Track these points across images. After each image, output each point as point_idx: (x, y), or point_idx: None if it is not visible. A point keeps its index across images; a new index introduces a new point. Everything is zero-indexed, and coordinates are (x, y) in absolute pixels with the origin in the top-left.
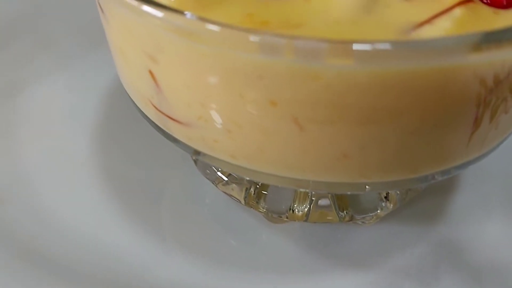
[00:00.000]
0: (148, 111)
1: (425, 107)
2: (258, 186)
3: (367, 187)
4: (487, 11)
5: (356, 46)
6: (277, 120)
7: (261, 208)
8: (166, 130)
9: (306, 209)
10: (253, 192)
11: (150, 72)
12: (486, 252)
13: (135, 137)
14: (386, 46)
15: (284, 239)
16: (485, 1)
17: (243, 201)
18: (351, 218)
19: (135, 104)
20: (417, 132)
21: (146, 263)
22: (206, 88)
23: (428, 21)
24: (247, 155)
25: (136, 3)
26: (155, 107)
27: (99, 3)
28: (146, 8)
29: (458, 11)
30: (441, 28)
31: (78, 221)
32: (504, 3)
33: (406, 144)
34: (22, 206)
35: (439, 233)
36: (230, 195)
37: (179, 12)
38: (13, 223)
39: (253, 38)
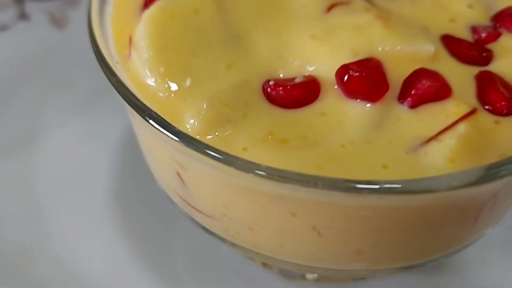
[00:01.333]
0: (174, 198)
1: (428, 221)
2: None
3: (376, 273)
4: (489, 120)
5: (365, 190)
6: (297, 226)
7: (275, 269)
8: (191, 216)
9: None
10: None
11: (178, 174)
12: None
13: (149, 184)
14: (395, 186)
15: None
16: (486, 107)
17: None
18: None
19: (162, 188)
20: (423, 232)
21: None
22: (231, 197)
23: (435, 137)
24: (266, 248)
25: (164, 132)
26: (181, 197)
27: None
28: (172, 137)
29: (462, 127)
30: (446, 146)
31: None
32: (504, 110)
33: (414, 241)
34: (50, 263)
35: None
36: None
37: (203, 147)
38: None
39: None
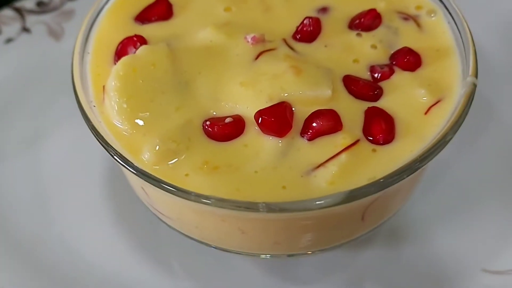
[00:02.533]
0: (145, 203)
1: (322, 223)
2: None
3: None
4: (368, 149)
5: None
6: (227, 228)
7: None
8: (157, 216)
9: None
10: None
11: (143, 188)
12: None
13: None
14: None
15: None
16: (368, 138)
17: None
18: None
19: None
20: (321, 229)
21: None
22: (180, 208)
23: (323, 164)
24: (210, 240)
25: (124, 166)
26: (148, 203)
27: None
28: (130, 170)
29: (343, 156)
30: (329, 172)
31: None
32: (381, 141)
33: (318, 234)
34: (54, 246)
35: None
36: None
37: (150, 178)
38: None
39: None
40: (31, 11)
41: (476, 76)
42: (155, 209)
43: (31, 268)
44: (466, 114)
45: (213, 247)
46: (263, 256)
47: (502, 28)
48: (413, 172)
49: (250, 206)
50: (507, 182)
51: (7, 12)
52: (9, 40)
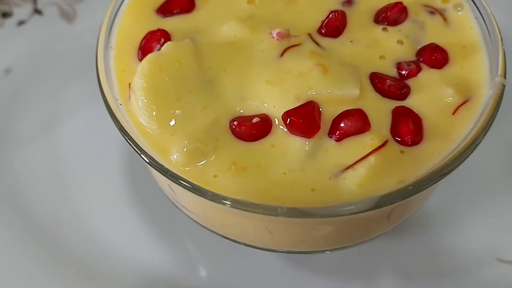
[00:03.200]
0: (170, 198)
1: (349, 223)
2: None
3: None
4: (396, 150)
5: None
6: (255, 227)
7: None
8: (181, 210)
9: None
10: None
11: (169, 185)
12: None
13: None
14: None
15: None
16: (396, 138)
17: None
18: None
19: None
20: (348, 229)
21: (173, 275)
22: (205, 206)
23: (351, 166)
24: (236, 236)
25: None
26: (173, 198)
27: None
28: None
29: (372, 159)
30: (358, 174)
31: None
32: (410, 142)
33: (345, 233)
34: (72, 230)
35: None
36: None
37: (178, 179)
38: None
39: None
40: None
41: (505, 76)
42: (180, 204)
43: (50, 251)
44: (495, 116)
45: (237, 243)
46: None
47: None
48: (443, 177)
49: (269, 211)
50: None
51: None
52: (21, 23)
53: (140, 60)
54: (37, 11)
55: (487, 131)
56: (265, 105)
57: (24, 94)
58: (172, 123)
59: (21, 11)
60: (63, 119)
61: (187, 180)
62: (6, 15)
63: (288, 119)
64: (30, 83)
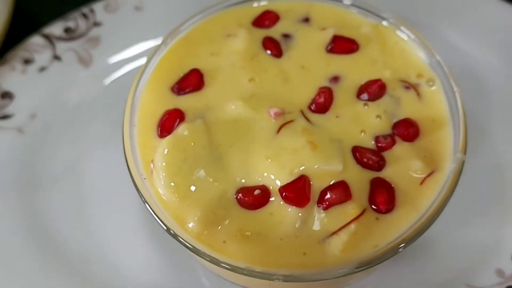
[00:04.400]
0: None
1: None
2: None
3: None
4: (372, 218)
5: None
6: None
7: None
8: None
9: None
10: None
11: None
12: None
13: None
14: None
15: None
16: (373, 207)
17: None
18: None
19: None
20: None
21: None
22: None
23: (336, 232)
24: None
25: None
26: None
27: None
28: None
29: (352, 226)
30: (341, 240)
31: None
32: (383, 210)
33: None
34: (102, 264)
35: None
36: None
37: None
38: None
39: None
40: (60, 38)
41: (465, 151)
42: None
43: (77, 285)
44: (455, 188)
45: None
46: None
47: (503, 49)
48: (412, 242)
49: (265, 277)
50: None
51: (38, 39)
52: (42, 69)
53: (160, 137)
54: (57, 57)
55: (447, 202)
56: (265, 176)
57: (50, 136)
58: (188, 195)
59: (42, 57)
60: (86, 159)
61: (199, 250)
62: (28, 61)
63: (284, 193)
64: (54, 125)
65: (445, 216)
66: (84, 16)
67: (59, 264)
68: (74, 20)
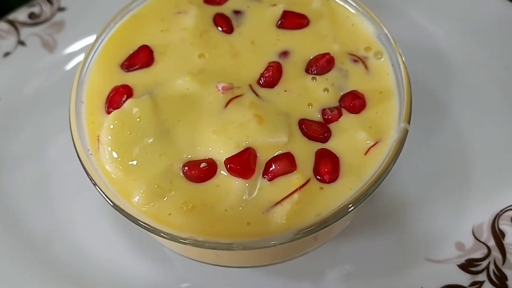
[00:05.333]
0: None
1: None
2: None
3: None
4: (316, 187)
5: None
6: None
7: None
8: None
9: None
10: None
11: None
12: None
13: None
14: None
15: None
16: (317, 177)
17: None
18: None
19: None
20: (280, 252)
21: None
22: None
23: (279, 202)
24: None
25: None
26: None
27: None
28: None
29: (295, 196)
30: (284, 209)
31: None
32: (327, 180)
33: (278, 253)
34: (67, 245)
35: None
36: None
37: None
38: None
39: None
40: (25, 24)
41: (409, 121)
42: None
43: (42, 266)
44: (397, 157)
45: (196, 261)
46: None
47: (461, 27)
48: (352, 210)
49: (207, 245)
50: (453, 181)
51: (2, 25)
52: (7, 54)
53: (107, 113)
54: (21, 43)
55: (389, 171)
56: (211, 150)
57: (14, 120)
58: (133, 170)
59: (6, 43)
60: (50, 141)
61: (144, 223)
62: None
63: (228, 165)
64: (19, 109)
65: (405, 191)
66: (49, 1)
67: (23, 247)
68: (39, 6)
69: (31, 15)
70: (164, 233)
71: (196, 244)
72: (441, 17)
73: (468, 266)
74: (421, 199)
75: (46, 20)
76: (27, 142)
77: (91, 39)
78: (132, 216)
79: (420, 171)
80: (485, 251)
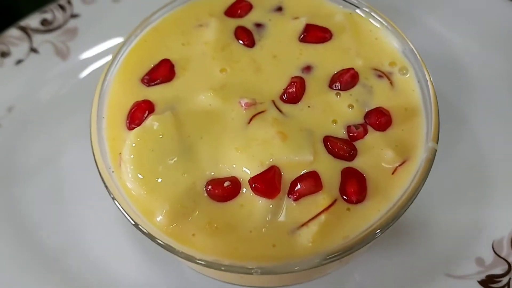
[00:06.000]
0: None
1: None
2: None
3: None
4: (343, 208)
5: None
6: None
7: None
8: None
9: None
10: None
11: None
12: None
13: None
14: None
15: None
16: (344, 197)
17: None
18: None
19: None
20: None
21: None
22: None
23: (306, 224)
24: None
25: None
26: None
27: None
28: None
29: (322, 217)
30: (311, 231)
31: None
32: (354, 201)
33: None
34: (81, 258)
35: None
36: None
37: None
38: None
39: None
40: (37, 30)
41: (437, 141)
42: None
43: (55, 277)
44: (426, 178)
45: (217, 280)
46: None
47: (483, 37)
48: (382, 233)
49: (233, 270)
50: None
51: (14, 32)
52: (19, 61)
53: (129, 129)
54: (33, 50)
55: (418, 191)
56: (235, 168)
57: (27, 128)
58: (156, 188)
59: (18, 50)
60: (64, 150)
61: (163, 243)
62: (4, 54)
63: (253, 185)
64: (32, 118)
65: (425, 205)
66: (61, 7)
67: (36, 258)
68: (51, 12)
69: (44, 22)
70: (188, 256)
71: (222, 268)
72: (459, 26)
73: (488, 282)
74: (440, 213)
75: (59, 27)
76: (40, 151)
77: (104, 46)
78: (155, 237)
79: (439, 185)
80: (506, 266)
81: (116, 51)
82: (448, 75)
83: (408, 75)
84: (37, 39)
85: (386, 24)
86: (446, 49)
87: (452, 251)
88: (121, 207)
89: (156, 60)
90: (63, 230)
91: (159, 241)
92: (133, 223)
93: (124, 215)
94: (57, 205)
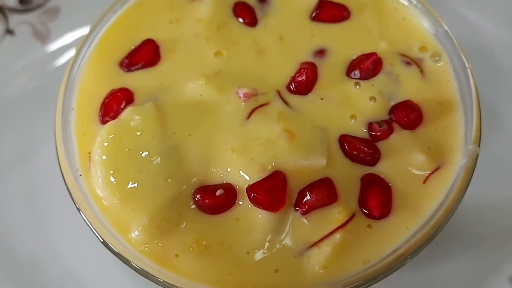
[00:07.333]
0: None
1: None
2: None
3: None
4: (363, 225)
5: None
6: None
7: None
8: None
9: None
10: None
11: None
12: None
13: None
14: None
15: None
16: (364, 211)
17: None
18: None
19: None
20: None
21: None
22: None
23: (316, 243)
24: None
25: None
26: None
27: None
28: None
29: (337, 236)
30: (324, 253)
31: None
32: (377, 216)
33: None
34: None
35: None
36: None
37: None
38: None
39: None
40: (14, 10)
41: (479, 143)
42: None
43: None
44: (466, 188)
45: None
46: None
47: None
48: (411, 258)
49: None
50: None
51: None
52: None
53: (102, 123)
54: (9, 31)
55: (457, 206)
56: (229, 173)
57: None
58: (132, 196)
59: None
60: (38, 148)
61: (138, 267)
62: None
63: (252, 194)
64: (4, 107)
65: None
66: None
67: (8, 267)
68: None
69: (22, 1)
70: (169, 285)
71: None
72: (492, 13)
73: None
74: (471, 225)
75: (38, 6)
76: (10, 149)
77: (88, 29)
78: (128, 260)
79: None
80: None
81: (90, 30)
82: (481, 65)
83: (441, 63)
84: (14, 19)
85: (415, 1)
86: (477, 36)
87: (484, 272)
88: (87, 220)
89: (138, 41)
90: (36, 237)
91: (134, 265)
92: (102, 240)
93: (91, 229)
94: (29, 204)
